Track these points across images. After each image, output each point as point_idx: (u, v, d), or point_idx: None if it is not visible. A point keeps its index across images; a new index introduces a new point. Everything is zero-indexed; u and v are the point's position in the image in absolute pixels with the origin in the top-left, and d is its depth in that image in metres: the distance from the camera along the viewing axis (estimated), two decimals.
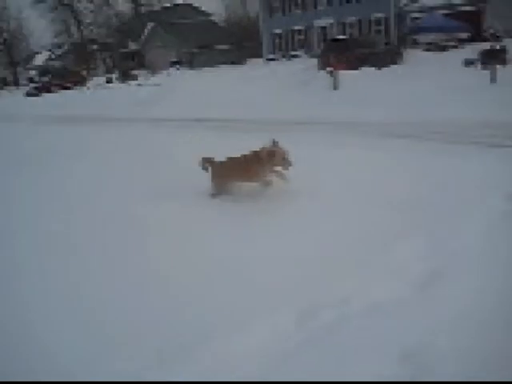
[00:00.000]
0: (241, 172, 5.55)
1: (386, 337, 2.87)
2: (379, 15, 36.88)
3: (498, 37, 23.82)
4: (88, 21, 66.81)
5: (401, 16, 35.86)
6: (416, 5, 34.99)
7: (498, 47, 18.86)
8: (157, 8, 65.80)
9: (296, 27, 42.86)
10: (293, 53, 40.83)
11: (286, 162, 5.29)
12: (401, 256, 3.83)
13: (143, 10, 67.49)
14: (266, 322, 3.07)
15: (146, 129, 12.95)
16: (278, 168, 5.38)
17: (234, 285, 3.55)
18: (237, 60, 48.82)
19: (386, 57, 23.54)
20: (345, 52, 23.49)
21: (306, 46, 41.94)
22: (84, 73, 50.75)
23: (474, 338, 2.81)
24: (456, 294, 3.25)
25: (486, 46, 19.79)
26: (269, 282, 3.53)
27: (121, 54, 60.37)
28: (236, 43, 53.37)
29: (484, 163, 6.10)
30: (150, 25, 56.16)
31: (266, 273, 3.70)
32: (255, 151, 5.48)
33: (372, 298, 3.29)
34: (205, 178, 5.90)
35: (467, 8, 32.58)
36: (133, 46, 60.42)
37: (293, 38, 43.61)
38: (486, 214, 4.56)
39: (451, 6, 33.01)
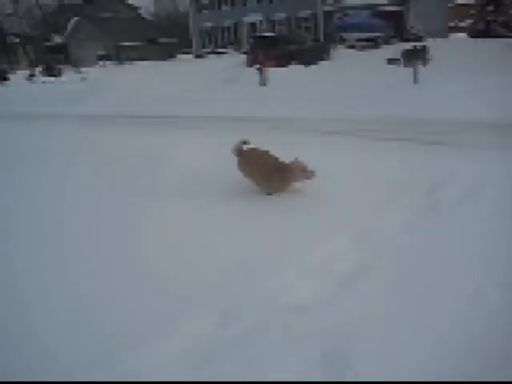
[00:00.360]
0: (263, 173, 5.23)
1: (309, 337, 2.85)
2: (307, 12, 37.49)
3: (419, 36, 24.70)
4: (8, 11, 63.88)
5: (328, 14, 36.58)
6: (343, 3, 35.79)
7: (419, 47, 19.53)
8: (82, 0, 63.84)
9: (225, 23, 42.86)
10: (222, 49, 40.75)
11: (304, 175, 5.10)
12: (324, 254, 3.83)
13: (67, 1, 65.24)
14: (188, 324, 2.98)
15: (77, 126, 12.45)
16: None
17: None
18: (166, 55, 48.19)
19: (313, 54, 23.89)
20: (273, 49, 23.64)
21: (235, 42, 42.00)
22: (4, 66, 48.45)
23: (397, 335, 2.83)
24: (378, 291, 3.28)
25: (409, 45, 20.47)
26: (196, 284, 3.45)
27: (45, 47, 58.09)
28: (165, 38, 52.65)
29: (408, 159, 6.25)
30: (75, 17, 54.44)
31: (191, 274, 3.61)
32: (283, 163, 5.18)
33: (295, 297, 3.26)
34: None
35: (391, 8, 33.67)
36: (57, 40, 58.33)
37: (222, 34, 43.59)
38: (408, 209, 4.65)
39: (376, 5, 34.00)
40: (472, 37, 32.76)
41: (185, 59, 42.97)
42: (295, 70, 20.42)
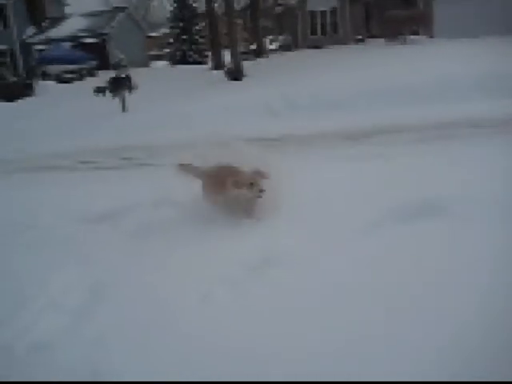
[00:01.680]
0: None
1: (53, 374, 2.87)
2: (3, 47, 35.37)
3: (123, 66, 25.52)
4: None
5: (28, 46, 35.18)
6: (41, 37, 34.87)
7: (123, 76, 20.20)
8: None
9: None
10: None
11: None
12: (57, 287, 3.86)
13: None
14: None
15: None
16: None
17: None
18: None
19: (16, 89, 22.87)
20: None
21: None
22: None
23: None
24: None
25: (113, 75, 20.98)
26: None
27: None
28: None
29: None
30: None
31: None
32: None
33: (36, 336, 3.21)
34: None
35: (91, 40, 34.12)
36: None
37: None
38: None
39: (75, 37, 34.08)
40: (172, 64, 35.24)
41: None
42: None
